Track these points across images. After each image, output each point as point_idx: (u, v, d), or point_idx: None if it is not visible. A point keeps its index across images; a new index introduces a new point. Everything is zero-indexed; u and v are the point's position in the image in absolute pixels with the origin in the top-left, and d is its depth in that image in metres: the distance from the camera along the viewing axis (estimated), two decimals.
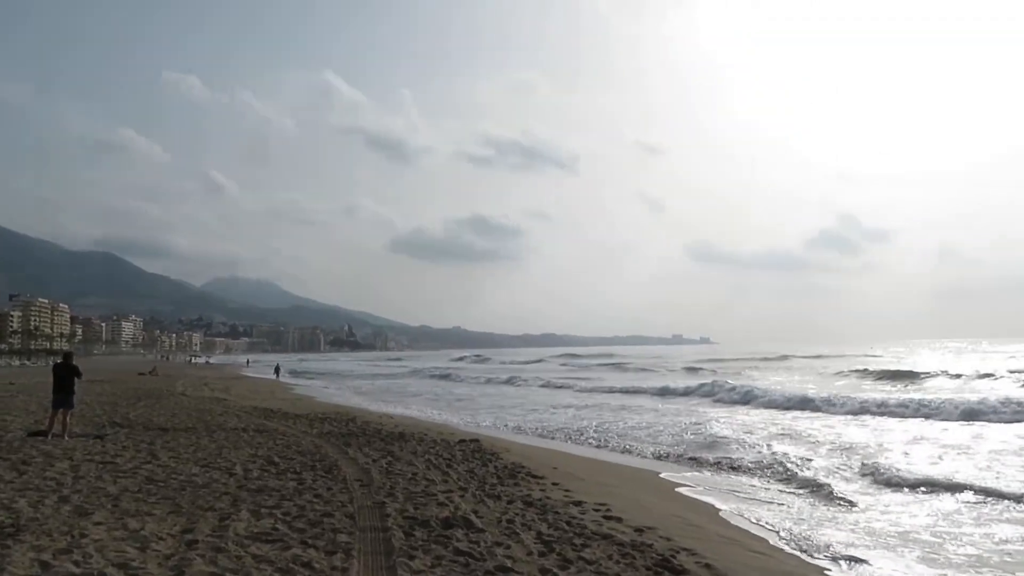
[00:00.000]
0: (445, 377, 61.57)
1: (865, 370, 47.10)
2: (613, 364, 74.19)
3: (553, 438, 19.11)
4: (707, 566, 6.55)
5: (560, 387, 43.92)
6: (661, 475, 13.49)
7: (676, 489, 11.97)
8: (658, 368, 61.94)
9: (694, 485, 12.31)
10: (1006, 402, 22.10)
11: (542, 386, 45.35)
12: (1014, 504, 10.31)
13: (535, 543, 7.09)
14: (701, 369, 58.38)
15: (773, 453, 15.10)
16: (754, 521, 9.58)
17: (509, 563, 6.35)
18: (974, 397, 24.89)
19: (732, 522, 9.53)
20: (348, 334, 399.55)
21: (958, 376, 39.75)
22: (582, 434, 19.68)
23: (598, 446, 17.57)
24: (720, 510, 10.22)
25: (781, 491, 11.79)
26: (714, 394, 32.61)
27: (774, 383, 38.40)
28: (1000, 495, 10.75)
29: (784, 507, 10.56)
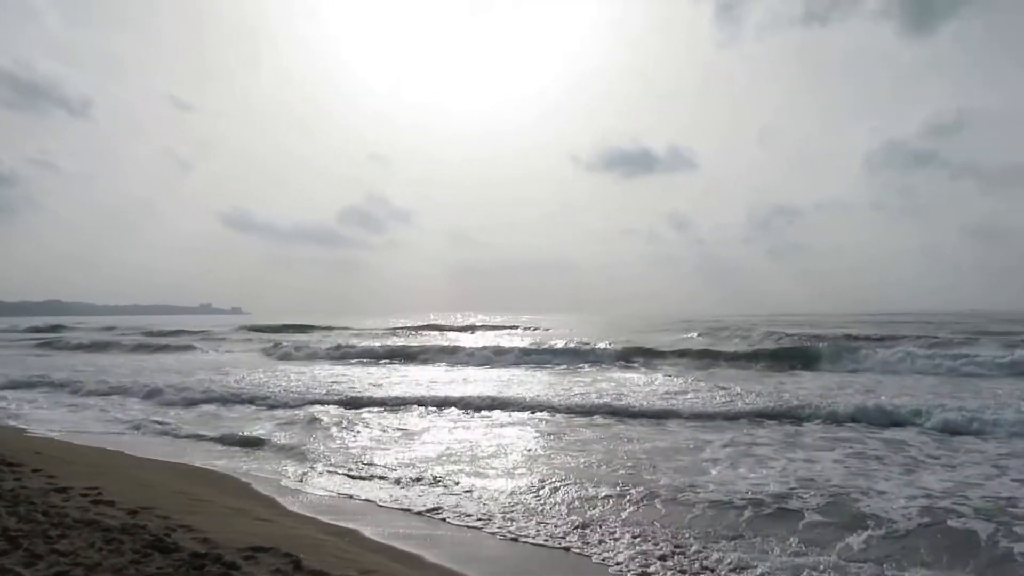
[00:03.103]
0: None
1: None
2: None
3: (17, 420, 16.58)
4: (204, 540, 6.28)
5: None
6: (167, 450, 12.71)
7: (186, 464, 11.37)
8: (112, 342, 51.75)
9: (206, 458, 11.84)
10: None
11: None
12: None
13: None
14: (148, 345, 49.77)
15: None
16: (267, 487, 9.62)
17: None
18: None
19: (261, 491, 9.46)
20: None
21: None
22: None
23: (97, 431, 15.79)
24: (249, 483, 9.99)
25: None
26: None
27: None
28: None
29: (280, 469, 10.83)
